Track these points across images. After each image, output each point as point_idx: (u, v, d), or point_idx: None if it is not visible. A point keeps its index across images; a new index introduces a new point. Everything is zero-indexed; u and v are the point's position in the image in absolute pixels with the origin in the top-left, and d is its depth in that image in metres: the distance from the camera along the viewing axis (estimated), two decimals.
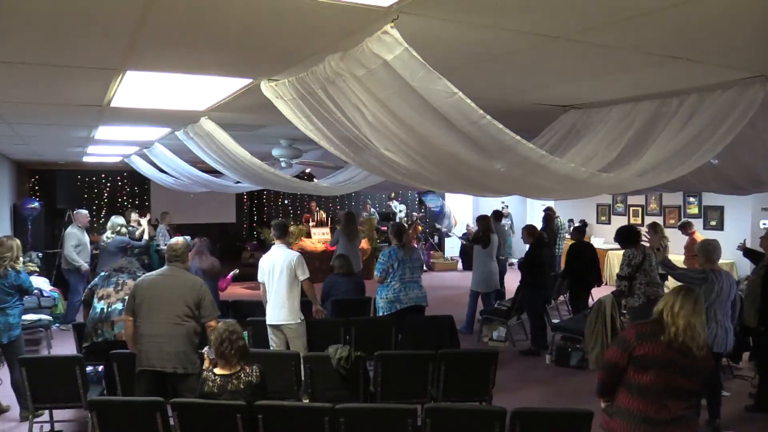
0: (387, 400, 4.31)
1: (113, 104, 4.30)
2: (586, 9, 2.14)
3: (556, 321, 7.60)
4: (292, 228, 11.94)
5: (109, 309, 4.65)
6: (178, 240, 4.33)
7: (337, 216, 13.56)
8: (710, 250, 4.79)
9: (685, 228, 8.52)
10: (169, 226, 10.50)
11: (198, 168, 7.62)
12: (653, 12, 2.13)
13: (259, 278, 5.32)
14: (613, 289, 6.17)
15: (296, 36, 2.55)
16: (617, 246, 11.94)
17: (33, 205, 10.20)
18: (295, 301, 5.19)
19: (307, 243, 11.77)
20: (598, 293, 7.31)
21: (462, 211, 14.75)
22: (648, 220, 10.94)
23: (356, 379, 4.38)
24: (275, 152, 7.01)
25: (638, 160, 3.31)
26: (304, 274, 5.24)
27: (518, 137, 2.64)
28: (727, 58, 2.77)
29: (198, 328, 4.07)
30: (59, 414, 4.60)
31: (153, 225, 10.70)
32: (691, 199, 10.95)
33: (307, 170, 9.85)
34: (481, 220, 8.24)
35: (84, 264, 7.95)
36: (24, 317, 5.53)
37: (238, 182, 7.56)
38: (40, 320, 6.74)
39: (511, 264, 13.24)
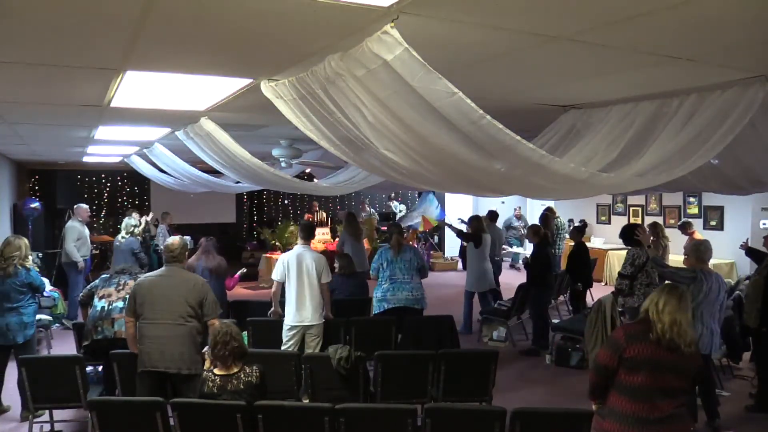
0: (387, 400, 4.31)
1: (113, 104, 4.30)
2: (586, 9, 2.14)
3: (556, 321, 7.61)
4: (291, 228, 11.96)
5: (110, 307, 4.64)
6: (174, 240, 4.31)
7: (338, 216, 13.57)
8: (702, 250, 4.78)
9: (685, 228, 8.52)
10: (170, 227, 10.52)
11: (198, 168, 7.61)
12: (653, 12, 2.13)
13: (277, 277, 5.27)
14: (613, 289, 6.17)
15: (296, 36, 2.55)
16: (617, 246, 12.07)
17: (33, 205, 10.21)
18: (320, 301, 5.23)
19: None
20: (597, 294, 7.31)
21: (462, 211, 14.74)
22: (648, 220, 10.95)
23: (356, 379, 4.38)
24: (275, 152, 7.00)
25: (638, 160, 3.31)
26: (327, 278, 5.28)
27: (518, 137, 2.64)
28: (727, 58, 2.77)
29: (200, 327, 4.06)
30: (59, 414, 4.60)
31: (154, 225, 10.71)
32: (691, 199, 10.96)
33: (307, 170, 9.85)
34: (474, 220, 8.27)
35: (81, 261, 7.96)
36: None
37: (238, 182, 7.56)
38: (39, 320, 6.72)
39: (516, 267, 13.27)
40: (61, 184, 12.15)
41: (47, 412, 4.50)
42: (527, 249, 12.84)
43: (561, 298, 9.00)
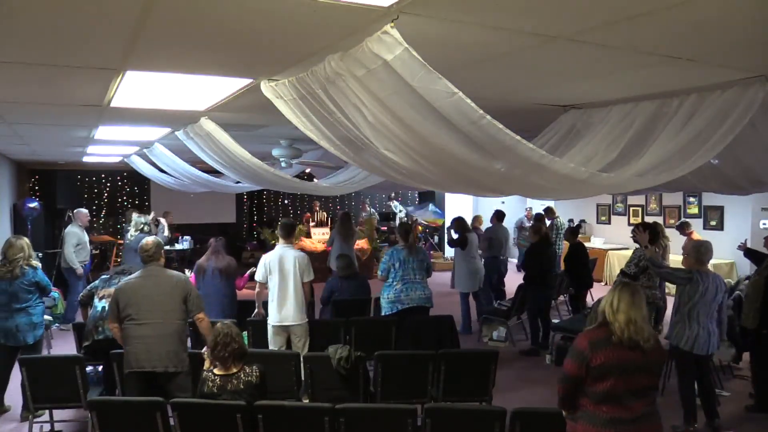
0: (387, 400, 4.31)
1: (113, 104, 4.30)
2: (585, 9, 2.14)
3: (556, 321, 7.61)
4: None
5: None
6: (148, 240, 4.27)
7: (338, 216, 13.56)
8: (702, 251, 4.74)
9: (683, 228, 8.51)
10: (170, 227, 10.50)
11: (198, 168, 7.61)
12: (653, 12, 2.13)
13: (260, 278, 5.26)
14: None
15: (296, 36, 2.55)
16: (617, 246, 12.06)
17: (33, 205, 10.20)
18: (303, 301, 5.19)
19: (306, 243, 11.76)
20: (597, 294, 7.30)
21: (462, 211, 14.74)
22: (648, 220, 10.94)
23: (356, 379, 4.38)
24: (275, 152, 7.00)
25: (638, 160, 3.31)
26: (309, 276, 5.23)
27: (518, 137, 2.64)
28: (727, 58, 2.77)
29: (186, 324, 4.06)
30: (59, 414, 4.60)
31: (155, 224, 10.71)
32: (691, 199, 10.96)
33: (307, 170, 9.85)
34: (456, 221, 8.20)
35: (79, 267, 7.98)
36: None
37: (238, 182, 7.56)
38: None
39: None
40: (61, 184, 12.15)
41: (47, 412, 4.49)
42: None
43: (561, 298, 8.99)
